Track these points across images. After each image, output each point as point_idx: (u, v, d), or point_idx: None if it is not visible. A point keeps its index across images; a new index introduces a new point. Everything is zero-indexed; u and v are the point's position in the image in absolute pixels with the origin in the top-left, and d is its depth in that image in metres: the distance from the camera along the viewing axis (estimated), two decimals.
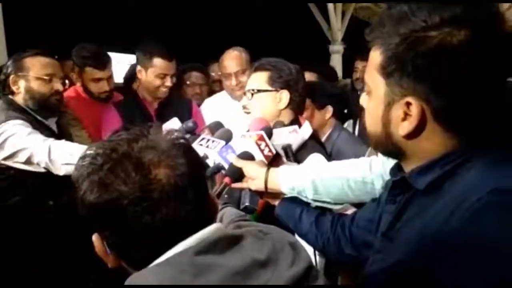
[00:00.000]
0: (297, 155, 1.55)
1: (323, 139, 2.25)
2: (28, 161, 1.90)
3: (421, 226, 0.78)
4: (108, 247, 0.79)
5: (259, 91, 1.71)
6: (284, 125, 1.62)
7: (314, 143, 1.67)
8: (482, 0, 0.78)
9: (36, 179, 1.96)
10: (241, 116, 1.82)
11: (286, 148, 1.50)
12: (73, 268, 2.08)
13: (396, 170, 0.92)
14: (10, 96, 2.05)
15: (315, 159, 1.55)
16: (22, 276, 1.98)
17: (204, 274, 0.70)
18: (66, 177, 1.48)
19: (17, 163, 1.92)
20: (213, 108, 2.71)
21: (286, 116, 1.71)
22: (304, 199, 1.31)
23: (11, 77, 2.02)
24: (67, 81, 2.20)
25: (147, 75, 2.48)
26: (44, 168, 1.89)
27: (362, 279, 0.98)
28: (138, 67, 2.53)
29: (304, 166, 1.43)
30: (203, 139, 1.46)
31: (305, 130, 1.67)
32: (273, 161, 1.43)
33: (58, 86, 2.07)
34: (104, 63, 2.59)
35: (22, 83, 2.03)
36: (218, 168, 1.38)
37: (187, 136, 1.56)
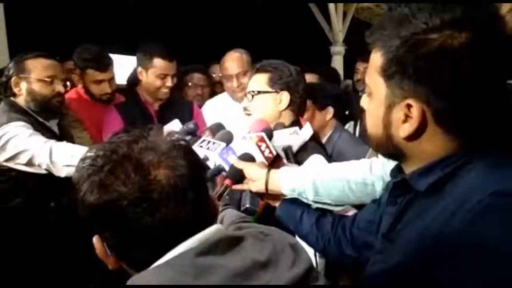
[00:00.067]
0: (297, 156, 1.56)
1: (324, 140, 2.25)
2: (29, 163, 1.90)
3: (421, 228, 0.78)
4: (109, 249, 0.79)
5: (259, 92, 1.72)
6: (285, 127, 1.62)
7: (314, 145, 1.67)
8: (482, 1, 0.79)
9: (37, 181, 1.96)
10: (242, 118, 1.82)
11: (287, 150, 1.50)
12: (74, 269, 2.08)
13: (397, 171, 0.92)
14: (12, 98, 2.05)
15: (316, 160, 1.55)
16: (24, 278, 1.98)
17: (205, 275, 0.70)
18: (68, 179, 1.49)
19: (19, 165, 1.92)
20: (214, 110, 2.71)
21: (287, 118, 1.72)
22: (305, 201, 1.31)
23: (13, 79, 2.03)
24: (68, 83, 2.20)
25: (147, 76, 2.49)
26: (46, 169, 1.89)
27: (363, 280, 0.98)
28: (139, 68, 2.53)
29: (305, 167, 1.43)
30: (203, 141, 1.46)
31: (306, 132, 1.67)
32: (274, 162, 1.43)
33: (59, 88, 2.08)
34: (105, 65, 2.59)
35: (23, 85, 2.03)
36: (219, 170, 1.38)
37: (188, 137, 1.56)
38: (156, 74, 2.46)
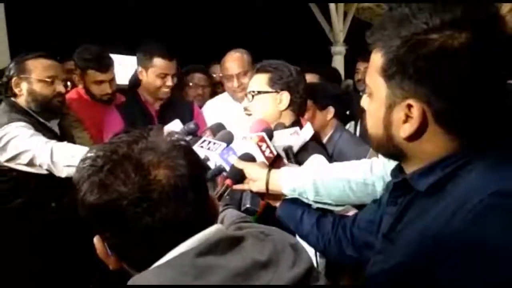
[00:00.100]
0: (298, 156, 1.56)
1: (325, 140, 2.25)
2: (30, 163, 1.90)
3: (422, 228, 0.78)
4: (109, 249, 0.79)
5: (259, 92, 1.72)
6: (285, 127, 1.62)
7: (315, 145, 1.67)
8: (482, 1, 0.79)
9: (38, 181, 1.97)
10: (243, 118, 1.82)
11: (287, 150, 1.50)
12: (75, 270, 2.09)
13: (397, 171, 0.92)
14: (13, 98, 2.06)
15: (316, 160, 1.55)
16: (25, 278, 1.98)
17: (205, 275, 0.70)
18: (68, 179, 1.49)
19: (20, 165, 1.93)
20: (214, 110, 2.71)
21: (287, 118, 1.72)
22: (305, 201, 1.31)
23: (14, 79, 2.03)
24: (69, 83, 2.21)
25: (147, 76, 2.49)
26: (47, 170, 1.90)
27: (363, 280, 0.98)
28: (139, 68, 2.53)
29: (305, 167, 1.43)
30: (204, 141, 1.46)
31: (306, 132, 1.67)
32: (274, 162, 1.43)
33: (60, 88, 2.08)
34: (106, 66, 2.59)
35: (24, 85, 2.03)
36: (219, 170, 1.38)
37: (189, 137, 1.56)
38: (156, 74, 2.46)
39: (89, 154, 0.76)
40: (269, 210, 1.39)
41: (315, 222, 1.27)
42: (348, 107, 3.09)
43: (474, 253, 0.69)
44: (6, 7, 3.46)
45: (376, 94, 0.85)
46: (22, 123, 1.94)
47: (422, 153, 0.83)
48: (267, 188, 1.31)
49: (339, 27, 8.00)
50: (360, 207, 1.29)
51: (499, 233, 0.68)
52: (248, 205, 1.31)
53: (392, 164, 0.95)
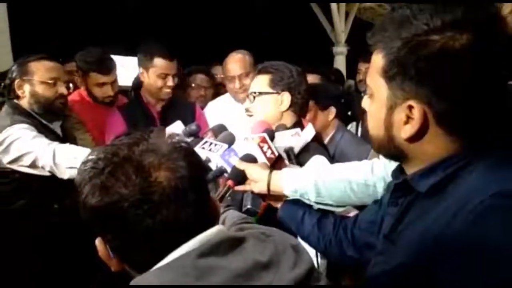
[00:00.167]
0: (299, 157, 1.56)
1: (326, 140, 2.25)
2: (33, 165, 1.91)
3: (423, 229, 0.78)
4: (111, 251, 0.79)
5: (260, 93, 1.72)
6: (286, 128, 1.62)
7: (316, 145, 1.67)
8: (483, 2, 0.79)
9: (41, 183, 1.97)
10: (245, 119, 1.82)
11: (288, 151, 1.50)
12: (77, 271, 2.09)
13: (398, 172, 0.92)
14: (15, 101, 2.06)
15: (318, 161, 1.55)
16: (27, 279, 1.99)
17: (206, 276, 0.70)
18: (71, 181, 1.49)
19: (22, 167, 1.93)
20: (216, 111, 2.72)
21: (289, 119, 1.72)
22: (307, 202, 1.31)
23: (16, 81, 2.03)
24: (71, 85, 2.21)
25: (148, 76, 2.49)
26: (49, 171, 1.90)
27: (364, 281, 0.98)
28: (140, 69, 2.53)
29: (307, 168, 1.43)
30: (205, 142, 1.46)
31: (308, 133, 1.67)
32: (276, 163, 1.43)
33: (62, 89, 2.08)
34: (108, 68, 2.59)
35: (27, 87, 2.04)
36: (221, 172, 1.38)
37: (190, 139, 1.57)
38: (157, 74, 2.46)
39: (90, 157, 0.77)
40: (270, 211, 1.39)
41: (316, 222, 1.28)
42: (350, 108, 3.10)
43: (475, 254, 0.69)
44: (9, 10, 3.48)
45: (377, 95, 0.85)
46: (25, 125, 1.95)
47: (423, 154, 0.83)
48: (268, 189, 1.31)
49: (341, 28, 8.01)
50: (361, 208, 1.29)
51: (500, 234, 0.68)
52: (249, 206, 1.32)
53: (393, 165, 0.95)
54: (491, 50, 0.75)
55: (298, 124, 1.72)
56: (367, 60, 0.89)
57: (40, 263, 2.00)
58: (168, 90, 2.50)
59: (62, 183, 1.88)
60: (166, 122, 1.88)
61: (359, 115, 3.04)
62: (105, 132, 2.50)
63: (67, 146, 1.94)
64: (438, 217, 0.76)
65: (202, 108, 2.82)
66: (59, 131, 2.17)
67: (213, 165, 1.41)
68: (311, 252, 1.24)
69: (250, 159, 1.37)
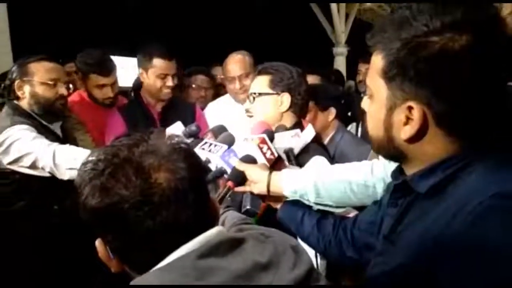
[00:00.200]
0: (299, 158, 1.56)
1: (326, 141, 2.25)
2: (33, 166, 1.91)
3: (422, 230, 0.78)
4: (111, 252, 0.80)
5: (260, 94, 1.72)
6: (286, 129, 1.62)
7: (316, 146, 1.67)
8: (483, 3, 0.79)
9: (41, 184, 1.97)
10: (245, 120, 1.83)
11: (288, 152, 1.50)
12: (77, 272, 2.09)
13: (398, 173, 0.92)
14: (16, 101, 2.06)
15: (318, 161, 1.55)
16: (27, 280, 1.99)
17: (206, 277, 0.71)
18: (71, 182, 1.49)
19: (22, 168, 1.93)
20: (216, 112, 2.72)
21: (288, 119, 1.72)
22: (306, 203, 1.32)
23: (16, 82, 2.04)
24: (71, 86, 2.21)
25: (148, 77, 2.49)
26: (49, 172, 1.90)
27: (364, 281, 0.98)
28: (140, 70, 2.53)
29: (306, 169, 1.43)
30: (205, 143, 1.46)
31: (308, 134, 1.67)
32: (275, 164, 1.43)
33: (62, 90, 2.08)
34: (108, 70, 2.58)
35: (27, 88, 2.04)
36: (221, 173, 1.39)
37: (190, 140, 1.57)
38: (156, 74, 2.46)
39: (90, 158, 0.77)
40: (270, 212, 1.40)
41: (316, 223, 1.28)
42: (350, 108, 3.10)
43: (475, 254, 0.69)
44: (9, 9, 3.48)
45: (376, 96, 0.85)
46: (25, 126, 1.95)
47: (423, 154, 0.83)
48: (268, 190, 1.31)
49: (341, 28, 8.01)
50: (360, 208, 1.29)
51: (499, 235, 0.68)
52: (248, 207, 1.32)
53: (393, 165, 0.95)
54: (490, 51, 0.75)
55: (298, 125, 1.72)
56: (367, 61, 0.89)
57: (40, 264, 2.00)
58: (168, 91, 2.50)
59: (62, 184, 1.88)
60: (166, 123, 1.88)
61: (359, 116, 3.04)
62: (105, 133, 2.49)
63: (67, 147, 1.94)
64: (438, 217, 0.76)
65: (202, 109, 2.82)
66: (59, 132, 2.17)
67: (213, 166, 1.41)
68: (311, 252, 1.24)
69: (249, 160, 1.37)
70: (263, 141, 1.42)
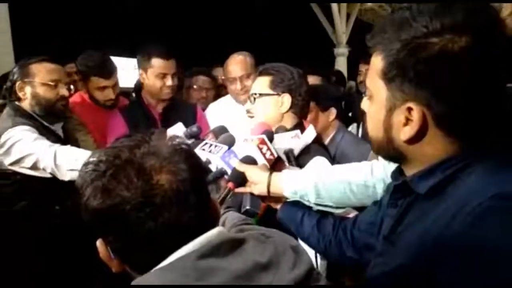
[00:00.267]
0: (299, 159, 1.56)
1: (327, 141, 2.26)
2: (34, 167, 1.91)
3: (422, 230, 0.78)
4: (112, 252, 0.80)
5: (261, 95, 1.73)
6: (287, 130, 1.62)
7: (317, 147, 1.67)
8: (483, 5, 0.79)
9: (42, 184, 1.97)
10: (246, 120, 1.83)
11: (288, 153, 1.50)
12: (79, 272, 2.09)
13: (398, 174, 0.92)
14: (17, 102, 2.07)
15: (318, 162, 1.55)
16: (28, 281, 1.99)
17: (207, 277, 0.71)
18: (72, 182, 1.49)
19: (24, 169, 1.94)
20: (217, 113, 2.72)
21: (289, 120, 1.72)
22: (306, 203, 1.32)
23: (18, 83, 2.04)
24: (72, 87, 2.22)
25: (148, 77, 2.49)
26: (50, 173, 1.91)
27: (364, 282, 0.98)
28: (140, 71, 2.53)
29: (307, 170, 1.43)
30: (206, 144, 1.46)
31: (309, 134, 1.67)
32: (275, 165, 1.43)
33: (63, 91, 2.09)
34: (109, 72, 2.58)
35: (28, 89, 2.04)
36: (221, 173, 1.39)
37: (191, 140, 1.57)
38: (156, 74, 2.46)
39: (91, 159, 0.77)
40: (270, 212, 1.40)
41: (316, 223, 1.28)
42: (351, 109, 3.10)
43: (474, 255, 0.69)
44: (10, 10, 3.49)
45: (376, 96, 0.85)
46: (26, 127, 1.95)
47: (422, 155, 0.83)
48: (268, 191, 1.31)
49: (342, 29, 8.01)
50: (360, 209, 1.29)
51: (499, 236, 0.68)
52: (248, 207, 1.32)
53: (393, 166, 0.95)
54: (490, 52, 0.75)
55: (299, 125, 1.72)
56: (368, 61, 0.89)
57: (41, 264, 2.00)
58: (168, 90, 2.50)
59: (63, 185, 1.89)
60: (168, 123, 1.88)
61: (360, 116, 3.04)
62: (106, 134, 2.50)
63: (68, 148, 1.94)
64: (437, 218, 0.76)
65: (203, 109, 2.82)
66: (60, 132, 2.17)
67: (213, 167, 1.41)
68: (311, 253, 1.24)
69: (250, 161, 1.37)
70: (262, 142, 1.42)
